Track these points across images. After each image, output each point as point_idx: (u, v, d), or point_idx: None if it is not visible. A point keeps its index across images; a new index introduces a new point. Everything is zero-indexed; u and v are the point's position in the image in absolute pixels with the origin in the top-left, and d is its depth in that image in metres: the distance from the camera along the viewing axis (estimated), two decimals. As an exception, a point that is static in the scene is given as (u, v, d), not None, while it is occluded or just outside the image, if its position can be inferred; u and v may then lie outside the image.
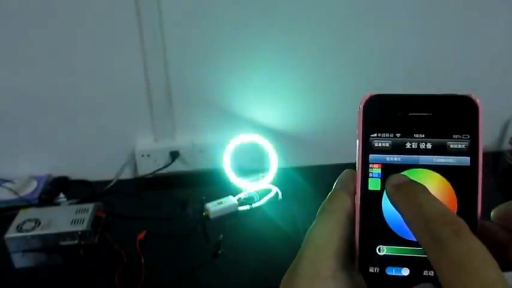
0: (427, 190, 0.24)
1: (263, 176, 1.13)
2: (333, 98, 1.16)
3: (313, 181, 1.12)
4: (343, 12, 1.07)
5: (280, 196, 1.09)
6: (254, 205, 1.05)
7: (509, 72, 1.20)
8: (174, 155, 1.15)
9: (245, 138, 1.11)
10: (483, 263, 0.20)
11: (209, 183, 1.14)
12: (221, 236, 0.93)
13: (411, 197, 0.24)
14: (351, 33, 1.10)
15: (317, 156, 1.22)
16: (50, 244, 0.91)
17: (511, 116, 1.28)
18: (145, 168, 1.16)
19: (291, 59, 1.11)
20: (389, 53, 1.13)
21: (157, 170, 1.15)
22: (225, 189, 1.09)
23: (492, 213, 0.26)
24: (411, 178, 0.26)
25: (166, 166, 1.15)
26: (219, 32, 1.06)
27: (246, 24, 1.06)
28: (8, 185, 1.10)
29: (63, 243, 0.92)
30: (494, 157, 1.28)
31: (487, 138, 1.28)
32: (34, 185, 1.11)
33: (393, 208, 0.27)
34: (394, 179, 0.26)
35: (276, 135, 1.17)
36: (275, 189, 1.10)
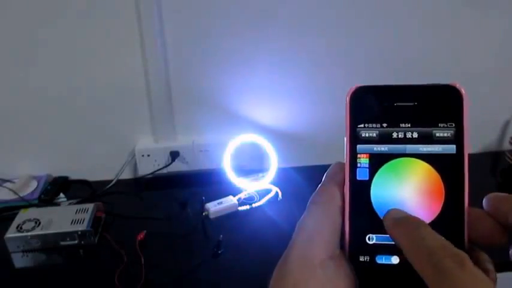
0: (427, 224, 0.25)
1: (263, 176, 1.13)
2: (332, 98, 1.15)
3: (313, 181, 1.11)
4: (342, 14, 1.07)
5: (280, 196, 1.09)
6: (254, 205, 1.05)
7: (509, 72, 1.20)
8: (174, 155, 1.15)
9: (245, 138, 1.11)
10: None
11: (209, 183, 1.14)
12: (221, 236, 0.93)
13: (412, 230, 0.25)
14: (350, 34, 1.10)
15: (317, 156, 1.22)
16: (50, 244, 0.91)
17: (511, 116, 1.28)
18: (145, 168, 1.16)
19: (291, 59, 1.11)
20: (388, 54, 1.13)
21: (157, 170, 1.15)
22: (225, 189, 1.09)
23: (484, 201, 0.26)
24: (399, 169, 0.27)
25: (166, 166, 1.15)
26: (219, 32, 1.06)
27: (246, 24, 1.06)
28: (8, 185, 1.10)
29: (63, 243, 0.92)
30: (494, 157, 1.28)
31: (487, 138, 1.28)
32: (34, 185, 1.11)
33: (382, 196, 0.27)
34: (393, 213, 0.26)
35: (276, 135, 1.17)
36: (275, 189, 1.10)
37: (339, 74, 1.14)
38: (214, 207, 1.01)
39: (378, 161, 0.28)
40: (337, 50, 1.12)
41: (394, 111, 0.28)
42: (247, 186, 1.10)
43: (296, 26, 1.07)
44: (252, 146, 1.12)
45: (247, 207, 1.05)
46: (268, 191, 1.10)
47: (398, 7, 1.08)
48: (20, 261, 0.90)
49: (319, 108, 1.18)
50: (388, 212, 0.26)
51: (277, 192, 1.10)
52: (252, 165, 1.16)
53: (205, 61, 1.09)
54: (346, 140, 0.28)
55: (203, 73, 1.11)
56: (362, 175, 0.28)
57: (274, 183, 1.12)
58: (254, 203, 1.06)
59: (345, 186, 0.28)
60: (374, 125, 0.28)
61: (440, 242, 0.23)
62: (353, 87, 0.29)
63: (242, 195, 1.08)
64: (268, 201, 1.07)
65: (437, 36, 1.13)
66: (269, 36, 1.08)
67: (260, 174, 1.14)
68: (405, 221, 0.25)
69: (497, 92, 1.20)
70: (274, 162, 1.12)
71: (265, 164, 1.14)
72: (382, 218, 0.26)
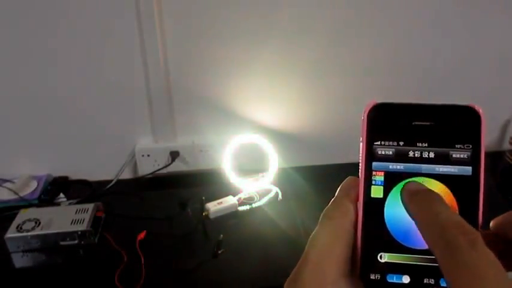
0: (444, 200, 0.25)
1: (263, 176, 1.13)
2: (332, 99, 1.16)
3: (313, 181, 1.12)
4: (344, 14, 1.07)
5: (280, 196, 1.09)
6: (254, 205, 1.05)
7: (509, 73, 1.20)
8: (174, 155, 1.15)
9: (245, 138, 1.11)
10: (496, 272, 0.21)
11: (209, 183, 1.14)
12: (221, 236, 0.93)
13: (428, 204, 0.25)
14: (351, 35, 1.10)
15: (317, 156, 1.22)
16: (50, 244, 0.91)
17: (511, 116, 1.28)
18: (145, 168, 1.16)
19: (291, 59, 1.11)
20: (388, 54, 1.13)
21: (157, 170, 1.15)
22: (225, 189, 1.09)
23: (491, 224, 0.26)
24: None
25: (166, 166, 1.15)
26: (219, 32, 1.06)
27: (246, 24, 1.06)
28: (8, 185, 1.10)
29: (63, 243, 0.92)
30: (494, 157, 1.28)
31: (487, 138, 1.28)
32: (34, 185, 1.11)
33: (396, 215, 0.27)
34: (411, 185, 0.26)
35: (276, 135, 1.17)
36: (275, 189, 1.10)
37: (339, 75, 1.14)
38: (214, 207, 1.01)
39: (393, 179, 0.28)
40: (338, 51, 1.12)
41: (412, 130, 0.28)
42: (247, 186, 1.10)
43: (297, 27, 1.07)
44: (252, 146, 1.12)
45: (247, 207, 1.05)
46: (268, 191, 1.10)
47: (395, 11, 1.08)
48: (20, 261, 0.90)
49: (320, 108, 1.18)
50: (406, 184, 0.26)
51: (277, 192, 1.10)
52: (252, 165, 1.16)
53: (205, 61, 1.09)
54: (361, 156, 0.28)
55: (203, 73, 1.10)
56: (376, 193, 0.28)
57: (274, 183, 1.12)
58: (254, 203, 1.06)
59: (359, 203, 0.28)
60: (390, 143, 0.28)
61: (454, 219, 0.23)
62: (370, 104, 0.28)
63: (242, 195, 1.08)
64: (268, 201, 1.07)
65: (438, 37, 1.13)
66: (270, 36, 1.08)
67: (260, 174, 1.14)
68: (421, 194, 0.25)
69: (497, 92, 1.20)
70: (274, 162, 1.12)
71: (265, 164, 1.14)
72: (400, 192, 0.26)
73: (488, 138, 1.28)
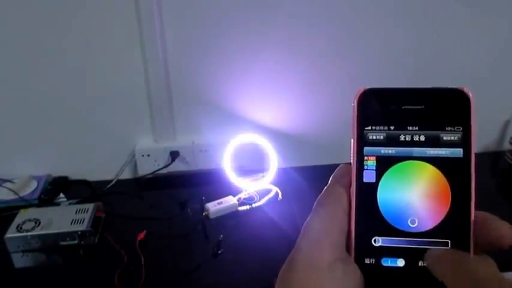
0: (469, 256, 0.25)
1: (263, 176, 1.13)
2: (333, 98, 1.16)
3: (313, 181, 1.12)
4: (343, 14, 1.07)
5: (280, 196, 1.09)
6: (254, 205, 1.05)
7: (509, 72, 1.20)
8: (174, 155, 1.15)
9: (245, 138, 1.11)
10: None
11: (209, 183, 1.14)
12: (221, 236, 0.93)
13: (459, 263, 0.24)
14: (351, 34, 1.10)
15: (317, 156, 1.22)
16: (50, 244, 0.91)
17: (511, 116, 1.28)
18: (145, 168, 1.16)
19: (291, 59, 1.11)
20: (388, 53, 1.13)
21: (157, 170, 1.15)
22: (225, 189, 1.09)
23: None
24: (406, 172, 0.27)
25: (166, 166, 1.15)
26: (219, 32, 1.06)
27: (246, 24, 1.06)
28: (8, 185, 1.10)
29: (63, 243, 0.92)
30: (494, 157, 1.28)
31: (487, 138, 1.28)
32: (34, 185, 1.11)
33: (388, 199, 0.27)
34: (434, 251, 0.26)
35: (276, 135, 1.17)
36: (275, 189, 1.10)
37: (340, 74, 1.14)
38: (214, 207, 1.01)
39: (384, 164, 0.28)
40: (338, 51, 1.12)
41: (402, 114, 0.28)
42: (247, 186, 1.10)
43: (296, 27, 1.07)
44: (252, 146, 1.12)
45: (247, 207, 1.05)
46: (268, 191, 1.10)
47: (396, 10, 1.08)
48: (20, 261, 0.90)
49: (320, 108, 1.18)
50: (428, 251, 0.26)
51: (277, 192, 1.10)
52: (252, 165, 1.16)
53: (205, 61, 1.09)
54: (353, 142, 0.28)
55: (203, 73, 1.10)
56: (369, 177, 0.28)
57: (274, 183, 1.12)
58: (254, 203, 1.06)
59: (352, 188, 0.28)
60: (381, 128, 0.28)
61: (492, 273, 0.23)
62: (361, 90, 0.29)
63: (242, 195, 1.08)
64: (268, 201, 1.07)
65: (438, 36, 1.13)
66: (269, 37, 1.08)
67: (260, 174, 1.14)
68: (448, 255, 0.25)
69: (497, 92, 1.20)
70: (274, 162, 1.12)
71: (265, 164, 1.14)
72: (424, 260, 0.26)
73: (488, 139, 1.28)
